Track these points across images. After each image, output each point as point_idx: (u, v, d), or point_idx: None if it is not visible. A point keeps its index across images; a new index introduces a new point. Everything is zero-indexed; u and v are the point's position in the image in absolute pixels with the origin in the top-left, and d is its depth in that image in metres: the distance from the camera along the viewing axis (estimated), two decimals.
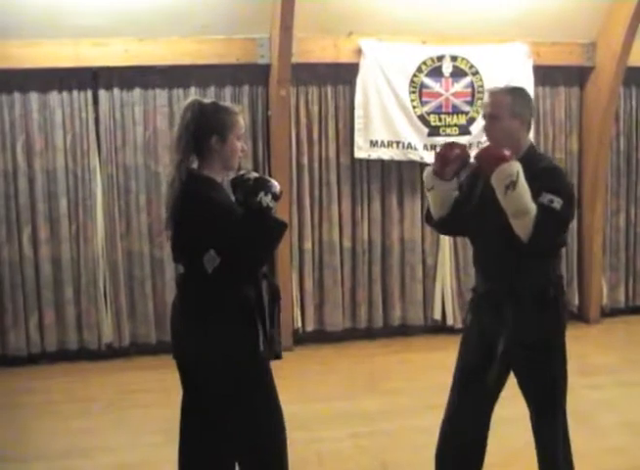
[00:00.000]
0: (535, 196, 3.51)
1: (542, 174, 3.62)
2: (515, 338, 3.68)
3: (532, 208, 3.49)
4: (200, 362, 3.46)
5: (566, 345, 3.80)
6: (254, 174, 3.58)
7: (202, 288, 3.42)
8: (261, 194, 3.37)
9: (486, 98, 3.89)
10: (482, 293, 3.92)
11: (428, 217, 4.19)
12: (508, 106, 3.74)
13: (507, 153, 3.57)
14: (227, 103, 3.79)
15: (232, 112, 3.55)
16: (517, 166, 3.52)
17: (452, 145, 4.02)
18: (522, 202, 3.50)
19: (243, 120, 3.60)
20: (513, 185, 3.48)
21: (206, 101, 3.59)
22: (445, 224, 4.13)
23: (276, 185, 3.46)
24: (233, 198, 3.54)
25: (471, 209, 3.91)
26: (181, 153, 3.45)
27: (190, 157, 3.47)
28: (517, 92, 3.85)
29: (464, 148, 4.00)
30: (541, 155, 4.05)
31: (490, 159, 3.61)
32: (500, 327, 3.72)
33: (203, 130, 3.44)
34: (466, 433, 3.92)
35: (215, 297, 3.41)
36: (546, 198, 3.50)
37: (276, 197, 3.44)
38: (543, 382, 3.78)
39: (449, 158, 3.91)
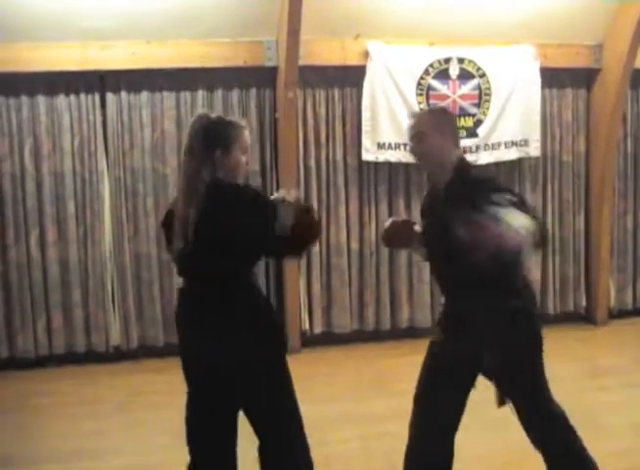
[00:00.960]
0: (482, 204, 3.38)
1: (474, 187, 3.58)
2: (483, 352, 3.67)
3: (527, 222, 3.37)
4: (234, 364, 3.52)
5: (540, 352, 3.78)
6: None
7: (231, 293, 3.51)
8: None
9: (409, 122, 3.96)
10: (445, 311, 3.93)
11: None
12: (429, 123, 3.79)
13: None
14: (233, 117, 3.86)
15: (237, 125, 3.62)
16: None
17: (392, 229, 4.03)
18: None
19: (248, 134, 3.65)
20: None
21: (213, 115, 3.64)
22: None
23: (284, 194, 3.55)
24: None
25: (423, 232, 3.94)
26: (196, 164, 3.51)
27: (204, 168, 3.50)
28: (435, 111, 3.93)
29: (404, 226, 4.02)
30: (472, 167, 3.99)
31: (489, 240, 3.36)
32: (467, 346, 3.71)
33: (207, 143, 3.50)
34: (431, 441, 3.98)
35: (245, 298, 3.53)
36: (495, 197, 3.42)
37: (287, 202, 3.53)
38: (518, 390, 3.78)
39: (388, 241, 4.06)
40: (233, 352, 3.46)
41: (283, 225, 3.38)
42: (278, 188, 6.32)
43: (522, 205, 3.48)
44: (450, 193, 3.66)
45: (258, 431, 3.63)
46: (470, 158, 7.39)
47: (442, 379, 3.83)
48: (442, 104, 7.45)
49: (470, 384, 3.87)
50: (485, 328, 3.64)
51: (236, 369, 3.50)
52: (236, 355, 3.46)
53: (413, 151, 3.89)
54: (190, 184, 3.50)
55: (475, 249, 3.33)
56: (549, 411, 3.80)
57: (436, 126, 3.76)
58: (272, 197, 3.59)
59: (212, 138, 3.51)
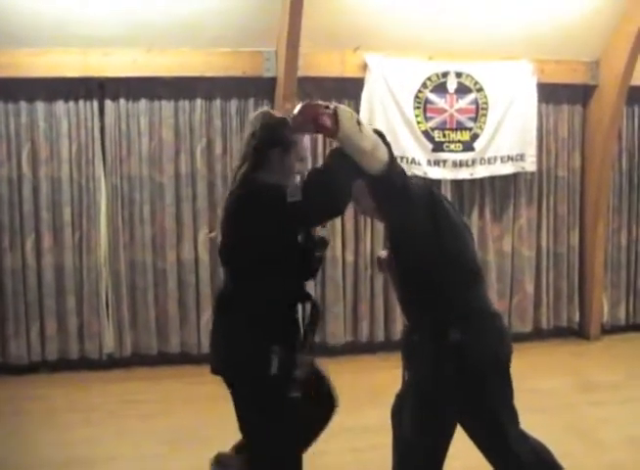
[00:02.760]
0: None
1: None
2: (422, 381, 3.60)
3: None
4: (231, 372, 3.53)
5: (498, 385, 3.56)
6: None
7: (250, 301, 3.48)
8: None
9: None
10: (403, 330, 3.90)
11: None
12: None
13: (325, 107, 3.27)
14: None
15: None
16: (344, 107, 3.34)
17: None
18: (371, 133, 3.31)
19: (307, 142, 3.65)
20: (359, 123, 3.27)
21: (277, 114, 3.69)
22: None
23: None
24: None
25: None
26: (241, 159, 3.57)
27: (250, 164, 3.52)
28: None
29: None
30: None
31: (316, 116, 3.27)
32: (414, 368, 3.71)
33: (267, 141, 3.51)
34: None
35: (261, 310, 3.48)
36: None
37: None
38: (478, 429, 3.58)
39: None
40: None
41: (293, 191, 3.30)
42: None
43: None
44: None
45: None
46: (466, 171, 7.47)
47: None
48: (439, 118, 7.49)
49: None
50: (422, 363, 3.55)
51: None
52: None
53: None
54: (234, 176, 3.56)
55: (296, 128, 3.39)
56: (516, 452, 3.51)
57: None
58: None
59: (273, 136, 3.52)
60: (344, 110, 3.25)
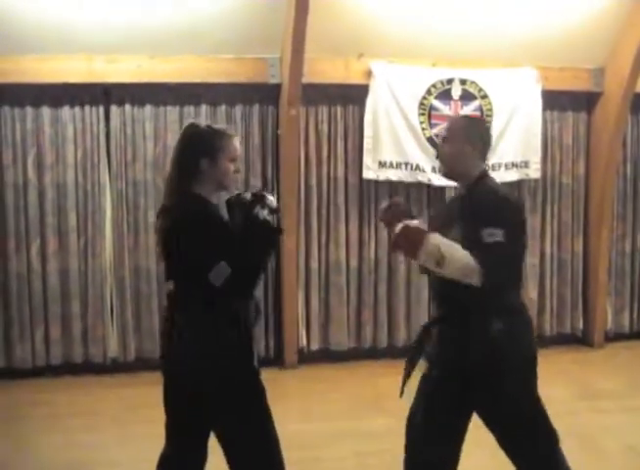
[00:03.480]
0: (476, 233, 3.41)
1: (481, 209, 3.52)
2: (461, 371, 3.61)
3: (470, 261, 3.39)
4: (196, 379, 3.48)
5: (529, 377, 3.68)
6: (251, 192, 3.68)
7: (199, 304, 3.45)
8: (257, 208, 3.47)
9: (444, 126, 3.93)
10: (433, 322, 3.87)
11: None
12: (461, 129, 3.75)
13: (417, 233, 3.49)
14: (221, 126, 3.84)
15: (225, 134, 3.61)
16: (433, 241, 3.46)
17: (385, 211, 4.00)
18: (459, 267, 3.42)
19: (237, 143, 3.65)
20: (442, 260, 3.41)
21: (201, 124, 3.67)
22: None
23: (272, 199, 3.56)
24: (227, 217, 3.61)
25: None
26: (173, 172, 3.57)
27: (181, 176, 3.53)
28: (474, 120, 3.87)
29: (393, 209, 3.92)
30: (490, 186, 3.74)
31: (408, 248, 3.55)
32: (448, 360, 3.67)
33: (192, 153, 3.53)
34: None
35: (212, 313, 3.44)
36: (486, 234, 3.39)
37: (273, 211, 3.53)
38: (508, 417, 3.66)
39: (385, 222, 3.88)
40: None
41: (217, 275, 3.34)
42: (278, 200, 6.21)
43: (505, 244, 3.41)
44: (458, 207, 3.66)
45: None
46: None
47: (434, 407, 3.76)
48: (443, 124, 7.49)
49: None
50: (463, 352, 3.56)
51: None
52: None
53: (438, 153, 3.85)
54: (165, 193, 3.60)
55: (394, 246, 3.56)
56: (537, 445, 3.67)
57: (466, 135, 3.71)
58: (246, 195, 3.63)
59: (198, 147, 3.53)
60: (427, 250, 3.45)
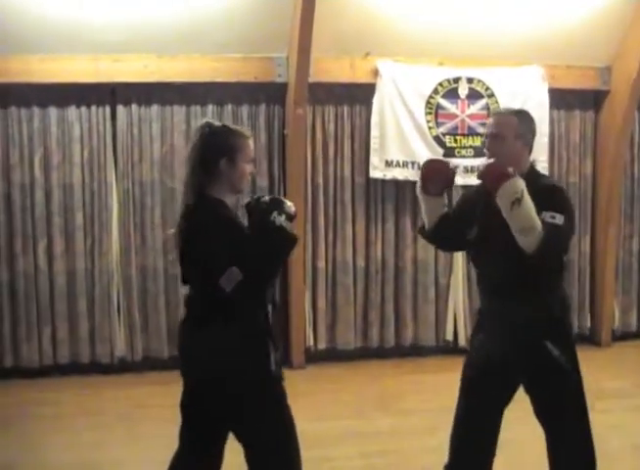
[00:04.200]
0: (537, 214, 3.56)
1: (542, 193, 3.65)
2: (523, 358, 3.71)
3: (538, 224, 3.53)
4: (211, 382, 3.45)
5: (578, 362, 3.87)
6: (269, 196, 3.62)
7: (214, 308, 3.42)
8: (275, 214, 3.41)
9: (492, 119, 3.94)
10: (488, 314, 3.94)
11: (421, 228, 4.28)
12: (513, 127, 3.79)
13: (510, 169, 3.61)
14: (238, 126, 3.80)
15: (242, 135, 3.57)
16: (521, 183, 3.57)
17: (433, 163, 4.12)
18: (528, 218, 3.54)
19: (253, 144, 3.63)
20: (518, 202, 3.53)
21: (217, 124, 3.62)
22: (435, 237, 4.24)
23: (290, 205, 3.50)
24: (245, 222, 3.58)
25: (471, 227, 3.93)
26: (190, 174, 3.50)
27: (199, 178, 3.48)
28: (522, 114, 3.89)
29: (445, 166, 4.03)
30: (541, 174, 4.06)
31: (494, 176, 3.65)
32: (508, 349, 3.75)
33: (212, 153, 3.47)
34: (471, 459, 3.95)
35: (228, 317, 3.41)
36: (547, 215, 3.54)
37: (290, 217, 3.48)
38: (556, 402, 3.83)
39: (427, 174, 4.06)
40: None
41: (228, 280, 3.31)
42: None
43: (563, 228, 3.59)
44: None
45: None
46: None
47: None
48: (450, 123, 7.49)
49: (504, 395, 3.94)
50: (526, 333, 3.72)
51: None
52: None
53: (489, 150, 3.89)
54: (184, 194, 3.53)
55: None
56: (584, 436, 3.92)
57: (518, 132, 3.79)
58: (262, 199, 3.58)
59: (217, 147, 3.48)
60: (512, 185, 3.58)
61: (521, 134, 3.79)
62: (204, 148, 3.49)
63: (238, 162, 3.50)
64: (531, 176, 3.77)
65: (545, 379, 3.78)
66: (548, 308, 3.74)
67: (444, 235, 4.15)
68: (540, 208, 3.55)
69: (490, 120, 3.93)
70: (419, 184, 4.12)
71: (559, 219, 3.55)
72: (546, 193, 3.68)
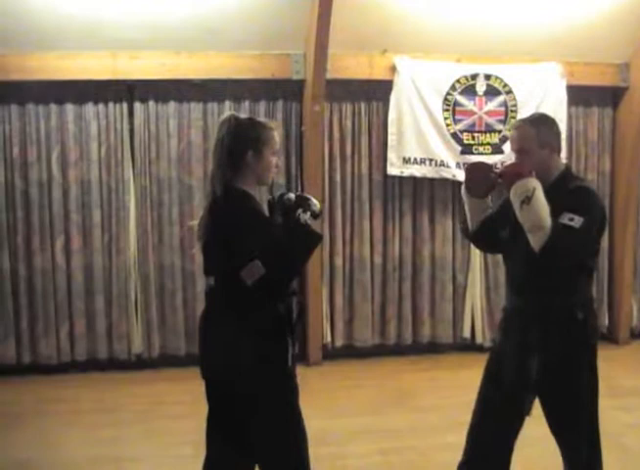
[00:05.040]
0: (559, 215, 3.54)
1: (568, 195, 3.65)
2: (542, 359, 3.70)
3: (547, 224, 3.51)
4: (229, 375, 3.46)
5: (596, 366, 3.81)
6: (294, 193, 3.63)
7: (236, 301, 3.42)
8: (300, 211, 3.43)
9: (512, 133, 3.91)
10: (511, 312, 3.93)
11: (465, 228, 4.23)
12: (534, 138, 3.76)
13: (525, 169, 3.62)
14: (263, 118, 3.80)
15: (268, 127, 3.58)
16: (534, 183, 3.56)
17: (476, 165, 4.10)
18: (537, 217, 3.52)
19: (278, 136, 3.63)
20: (528, 200, 3.52)
21: (243, 116, 3.62)
22: (476, 238, 4.21)
23: (316, 203, 3.52)
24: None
25: (505, 227, 3.92)
26: (216, 166, 3.50)
27: (225, 170, 3.47)
28: (541, 121, 3.85)
29: (488, 169, 4.00)
30: (575, 176, 3.99)
31: (509, 175, 3.68)
32: (528, 349, 3.74)
33: (238, 145, 3.47)
34: (488, 457, 3.93)
35: (248, 310, 3.41)
36: (566, 217, 3.51)
37: (315, 215, 3.49)
38: (566, 403, 3.80)
39: (470, 177, 4.01)
40: None
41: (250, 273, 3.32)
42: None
43: (576, 230, 3.53)
44: (550, 197, 3.63)
45: None
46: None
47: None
48: (468, 120, 7.47)
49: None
50: (547, 332, 3.71)
51: None
52: None
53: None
54: (210, 186, 3.53)
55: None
56: (593, 439, 3.86)
57: (540, 141, 3.76)
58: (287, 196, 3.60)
59: (244, 139, 3.49)
60: (523, 184, 3.59)
61: (545, 142, 3.75)
62: (230, 140, 3.48)
63: (264, 153, 3.52)
64: (564, 179, 3.77)
65: (559, 380, 3.75)
66: (569, 310, 3.70)
67: (486, 237, 4.13)
68: (564, 209, 3.53)
69: (511, 135, 3.91)
70: (463, 185, 4.08)
71: (576, 222, 3.50)
72: (570, 195, 3.66)
